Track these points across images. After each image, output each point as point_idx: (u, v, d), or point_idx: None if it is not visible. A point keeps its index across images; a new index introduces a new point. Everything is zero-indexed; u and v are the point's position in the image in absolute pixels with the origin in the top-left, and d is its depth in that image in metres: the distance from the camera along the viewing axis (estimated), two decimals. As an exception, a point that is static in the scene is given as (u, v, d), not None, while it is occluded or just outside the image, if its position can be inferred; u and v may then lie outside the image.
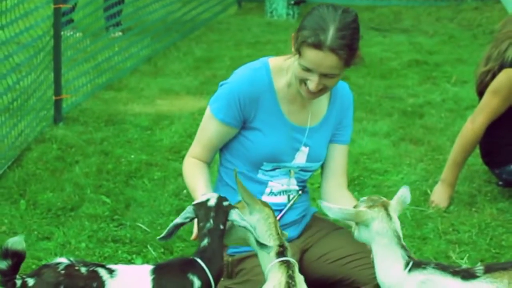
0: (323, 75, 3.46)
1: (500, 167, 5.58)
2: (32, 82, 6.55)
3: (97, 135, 6.71)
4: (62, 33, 7.08)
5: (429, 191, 5.72)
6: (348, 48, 3.40)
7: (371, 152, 6.42)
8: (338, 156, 3.90)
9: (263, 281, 3.58)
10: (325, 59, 3.41)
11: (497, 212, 5.47)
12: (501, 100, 5.37)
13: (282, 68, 3.67)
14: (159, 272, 3.46)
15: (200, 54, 9.59)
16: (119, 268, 3.45)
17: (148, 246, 4.90)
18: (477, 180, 5.97)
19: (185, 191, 5.63)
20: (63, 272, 3.37)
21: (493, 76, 5.40)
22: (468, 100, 7.49)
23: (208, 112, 3.74)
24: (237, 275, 3.74)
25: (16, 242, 3.29)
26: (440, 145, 6.63)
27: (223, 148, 3.81)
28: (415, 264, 3.36)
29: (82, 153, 6.30)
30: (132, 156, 6.28)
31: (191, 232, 4.90)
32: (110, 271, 3.43)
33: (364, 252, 3.71)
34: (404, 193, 3.49)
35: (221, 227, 3.33)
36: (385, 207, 3.38)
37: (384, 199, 3.44)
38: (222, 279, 3.71)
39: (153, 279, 3.45)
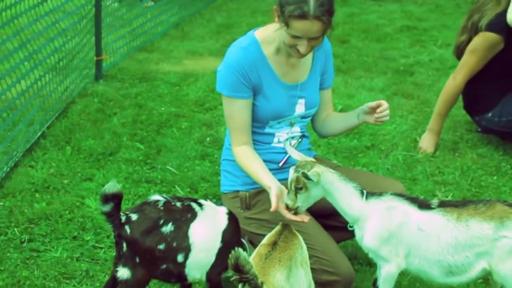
0: (311, 39, 3.40)
1: (479, 115, 5.52)
2: (76, 44, 6.49)
3: (132, 91, 6.65)
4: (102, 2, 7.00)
5: (418, 139, 5.67)
6: (328, 12, 3.34)
7: (368, 105, 6.34)
8: (326, 97, 3.87)
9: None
10: (312, 26, 3.34)
11: (477, 157, 5.43)
12: (478, 59, 5.30)
13: (269, 38, 3.58)
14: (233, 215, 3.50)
15: (221, 20, 9.48)
16: (206, 203, 3.42)
17: (176, 186, 4.86)
18: (459, 129, 5.91)
19: (208, 138, 5.59)
20: (162, 208, 3.31)
21: (469, 41, 5.36)
22: (452, 60, 7.35)
23: (225, 99, 3.58)
24: (254, 206, 3.68)
25: (111, 186, 3.16)
26: (428, 99, 6.55)
27: None
28: (369, 193, 3.28)
29: (120, 106, 6.24)
30: (163, 109, 6.22)
31: (215, 174, 4.95)
32: (200, 205, 3.40)
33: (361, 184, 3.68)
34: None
35: None
36: (316, 163, 3.27)
37: (310, 158, 3.35)
38: (242, 211, 3.67)
39: (228, 218, 3.44)
